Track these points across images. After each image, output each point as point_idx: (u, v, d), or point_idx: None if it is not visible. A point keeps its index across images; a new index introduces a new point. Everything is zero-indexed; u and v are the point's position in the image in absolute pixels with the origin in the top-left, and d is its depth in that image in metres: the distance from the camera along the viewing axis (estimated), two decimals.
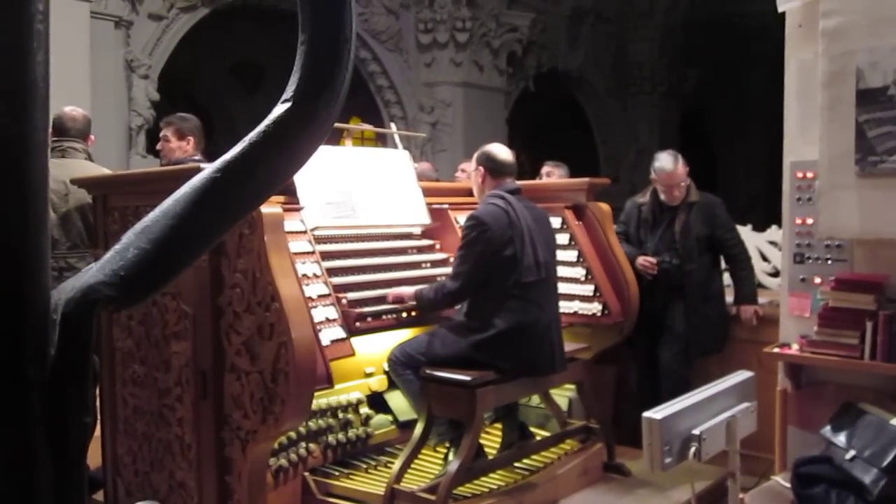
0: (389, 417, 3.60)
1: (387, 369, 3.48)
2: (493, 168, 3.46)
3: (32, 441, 0.69)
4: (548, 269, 3.41)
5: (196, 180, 0.76)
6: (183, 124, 4.16)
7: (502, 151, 3.51)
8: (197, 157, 4.17)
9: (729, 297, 4.35)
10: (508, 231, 3.25)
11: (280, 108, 0.77)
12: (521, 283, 3.25)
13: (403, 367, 3.32)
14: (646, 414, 2.05)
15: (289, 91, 0.77)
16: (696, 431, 2.10)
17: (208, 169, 0.76)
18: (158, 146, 4.24)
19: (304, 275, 2.95)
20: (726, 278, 4.42)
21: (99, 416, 3.61)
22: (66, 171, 3.61)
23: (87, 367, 0.72)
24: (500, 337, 3.20)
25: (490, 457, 3.48)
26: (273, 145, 0.76)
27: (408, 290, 3.38)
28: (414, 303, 3.38)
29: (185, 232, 0.74)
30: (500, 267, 3.23)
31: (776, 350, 3.22)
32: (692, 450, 2.08)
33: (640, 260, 4.24)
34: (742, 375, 2.45)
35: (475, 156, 3.57)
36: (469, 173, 3.69)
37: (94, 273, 0.72)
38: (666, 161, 4.19)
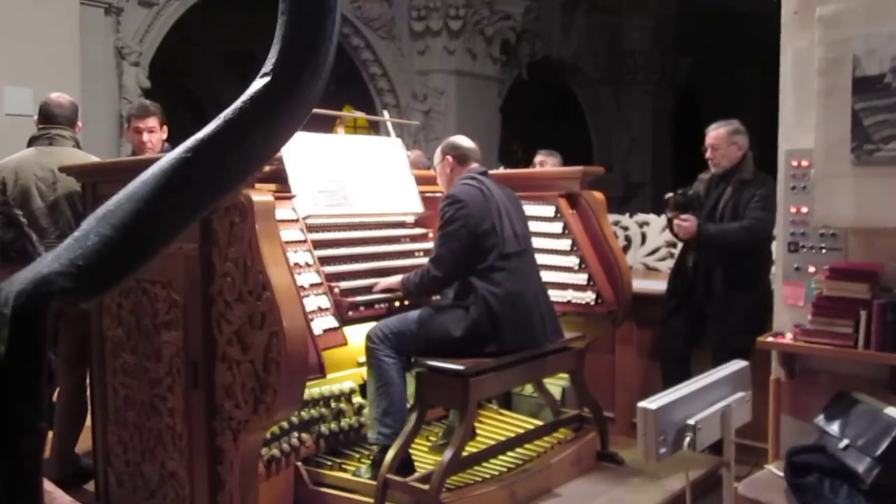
0: None
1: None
2: (459, 155, 3.55)
3: None
4: (526, 241, 3.48)
5: (165, 161, 0.68)
6: (160, 112, 4.08)
7: (465, 140, 3.62)
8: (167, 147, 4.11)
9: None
10: (485, 206, 3.30)
11: (258, 83, 0.69)
12: (503, 255, 3.27)
13: (386, 348, 3.21)
14: (641, 404, 2.04)
15: (268, 64, 0.69)
16: (691, 421, 2.08)
17: (179, 148, 0.69)
18: (144, 138, 3.92)
19: (296, 264, 2.92)
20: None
21: (90, 406, 3.59)
22: (54, 158, 3.57)
23: (41, 365, 0.64)
24: (494, 310, 3.18)
25: (484, 447, 3.47)
26: (250, 123, 0.69)
27: (394, 280, 3.38)
28: (401, 293, 3.37)
29: (152, 217, 0.66)
30: (481, 241, 3.25)
31: (770, 339, 3.21)
32: (687, 440, 2.06)
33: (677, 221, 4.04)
34: (737, 365, 2.44)
35: (439, 150, 3.64)
36: (436, 172, 3.67)
37: (48, 262, 0.64)
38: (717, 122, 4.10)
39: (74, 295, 0.65)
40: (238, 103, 0.69)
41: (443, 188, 3.62)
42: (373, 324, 3.29)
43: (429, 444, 3.67)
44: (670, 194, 4.12)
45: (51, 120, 3.70)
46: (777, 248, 3.36)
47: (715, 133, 4.04)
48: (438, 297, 3.52)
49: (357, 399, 3.51)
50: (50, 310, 0.63)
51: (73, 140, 3.74)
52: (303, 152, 3.34)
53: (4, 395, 0.62)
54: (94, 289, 0.66)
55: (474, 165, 3.54)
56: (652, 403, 2.03)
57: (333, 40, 0.70)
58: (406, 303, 3.46)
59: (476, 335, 3.18)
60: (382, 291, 3.36)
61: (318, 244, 3.22)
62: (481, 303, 3.19)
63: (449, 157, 3.56)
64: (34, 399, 0.64)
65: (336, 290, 3.14)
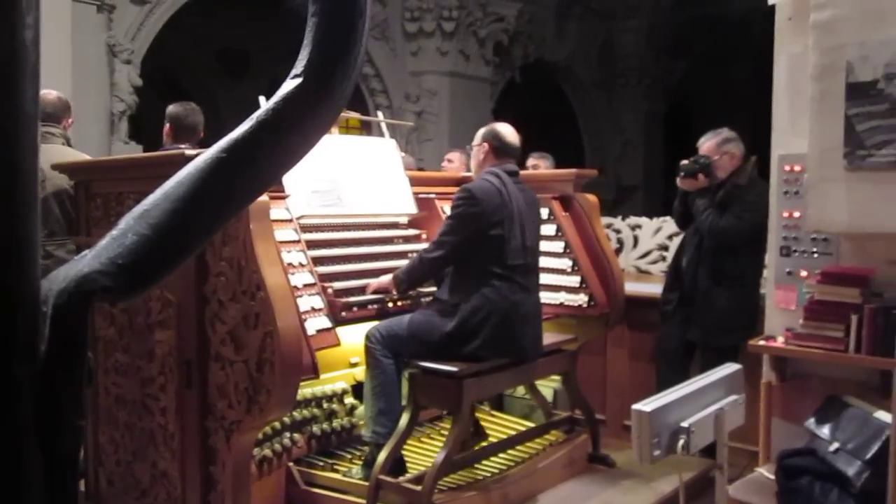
0: None
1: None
2: (498, 147, 3.43)
3: (21, 447, 0.61)
4: (533, 255, 3.42)
5: (200, 161, 0.70)
6: (170, 109, 4.09)
7: (511, 133, 3.48)
8: (181, 146, 4.10)
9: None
10: (499, 211, 3.23)
11: (290, 84, 0.71)
12: (506, 265, 3.24)
13: (383, 348, 3.22)
14: (635, 406, 2.05)
15: (299, 66, 0.71)
16: (684, 424, 2.09)
17: (213, 148, 0.70)
18: None
19: (290, 264, 2.92)
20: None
21: None
22: (44, 156, 3.52)
23: (82, 364, 0.65)
24: (485, 316, 3.17)
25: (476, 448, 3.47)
26: (283, 124, 0.70)
27: (385, 279, 3.36)
28: (394, 289, 3.34)
29: (189, 216, 0.68)
30: (486, 246, 3.22)
31: (761, 342, 3.23)
32: (681, 442, 2.07)
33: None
34: (730, 368, 2.45)
35: (482, 131, 3.51)
36: (471, 152, 3.58)
37: (88, 261, 0.65)
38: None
39: (115, 293, 0.66)
40: (271, 104, 0.71)
41: (472, 173, 3.53)
42: (367, 324, 3.29)
43: (421, 444, 3.67)
44: (685, 161, 4.00)
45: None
46: (769, 253, 3.38)
47: (706, 146, 3.98)
48: (433, 290, 3.50)
49: (349, 400, 3.51)
50: (91, 307, 0.64)
51: (62, 137, 3.71)
52: None
53: (45, 393, 0.62)
54: (133, 287, 0.67)
55: (509, 163, 3.44)
56: (646, 406, 2.04)
57: (364, 42, 0.72)
58: (399, 304, 3.45)
59: (464, 331, 3.17)
60: (375, 292, 3.35)
61: (311, 244, 3.22)
62: (475, 301, 3.18)
63: (486, 145, 3.44)
64: (74, 398, 0.64)
65: (329, 290, 3.14)
